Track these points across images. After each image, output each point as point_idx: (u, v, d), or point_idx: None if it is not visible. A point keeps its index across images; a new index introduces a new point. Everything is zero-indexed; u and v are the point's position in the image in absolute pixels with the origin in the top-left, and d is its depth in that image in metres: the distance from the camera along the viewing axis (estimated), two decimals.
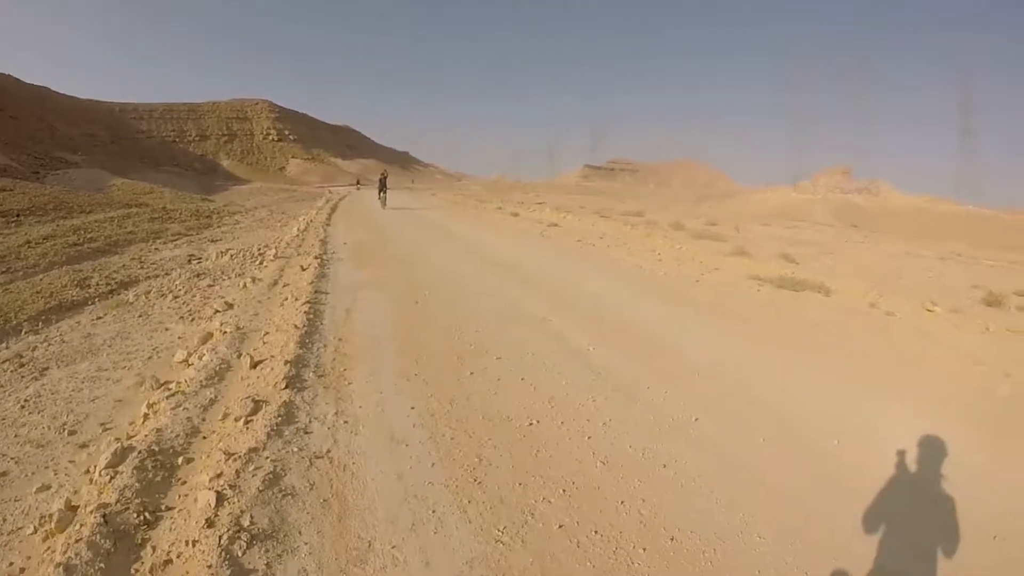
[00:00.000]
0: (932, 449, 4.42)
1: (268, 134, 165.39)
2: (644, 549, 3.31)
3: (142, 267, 13.97)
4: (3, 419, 5.65)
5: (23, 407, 5.90)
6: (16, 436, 5.25)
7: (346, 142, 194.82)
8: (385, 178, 33.74)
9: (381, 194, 32.00)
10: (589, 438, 4.51)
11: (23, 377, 6.82)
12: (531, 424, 4.73)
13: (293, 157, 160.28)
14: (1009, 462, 4.45)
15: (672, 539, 3.40)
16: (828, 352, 6.91)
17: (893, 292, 10.46)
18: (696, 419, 4.88)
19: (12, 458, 4.85)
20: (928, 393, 5.74)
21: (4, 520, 3.95)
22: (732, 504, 3.71)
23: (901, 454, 4.33)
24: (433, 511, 3.56)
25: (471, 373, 5.82)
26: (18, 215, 23.46)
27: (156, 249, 17.55)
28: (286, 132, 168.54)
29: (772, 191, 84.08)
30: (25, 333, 8.69)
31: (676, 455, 4.27)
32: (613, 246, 15.95)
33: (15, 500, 4.20)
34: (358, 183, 65.21)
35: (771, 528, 3.50)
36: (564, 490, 3.80)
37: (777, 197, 74.25)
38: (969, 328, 8.21)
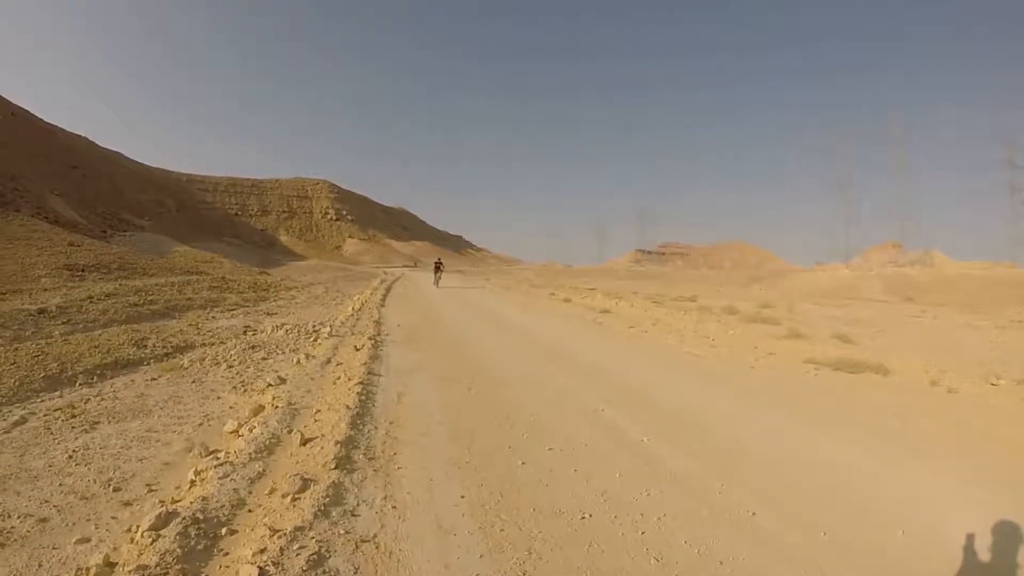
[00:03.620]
0: (1005, 535, 4.18)
1: (327, 213, 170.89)
2: None
3: (198, 334, 14.22)
4: (50, 466, 5.69)
5: (71, 457, 5.93)
6: (61, 485, 5.26)
7: (401, 224, 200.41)
8: (440, 263, 40.40)
9: (436, 275, 38.47)
10: (643, 533, 4.29)
11: (73, 428, 6.90)
12: (583, 518, 4.52)
13: (350, 237, 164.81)
14: None
15: None
16: (889, 437, 6.63)
17: (954, 367, 10.12)
18: (754, 513, 4.62)
19: (55, 506, 4.85)
20: (997, 473, 5.49)
21: (40, 566, 3.93)
22: None
23: (971, 542, 4.08)
24: None
25: (523, 463, 5.65)
26: (83, 270, 24.32)
27: (213, 317, 17.91)
28: (344, 212, 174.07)
29: (824, 269, 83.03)
30: (79, 385, 8.85)
31: (733, 551, 4.03)
32: (666, 332, 15.73)
33: (53, 548, 4.18)
34: (415, 263, 67.76)
35: None
36: None
37: (829, 275, 73.03)
38: None
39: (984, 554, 3.98)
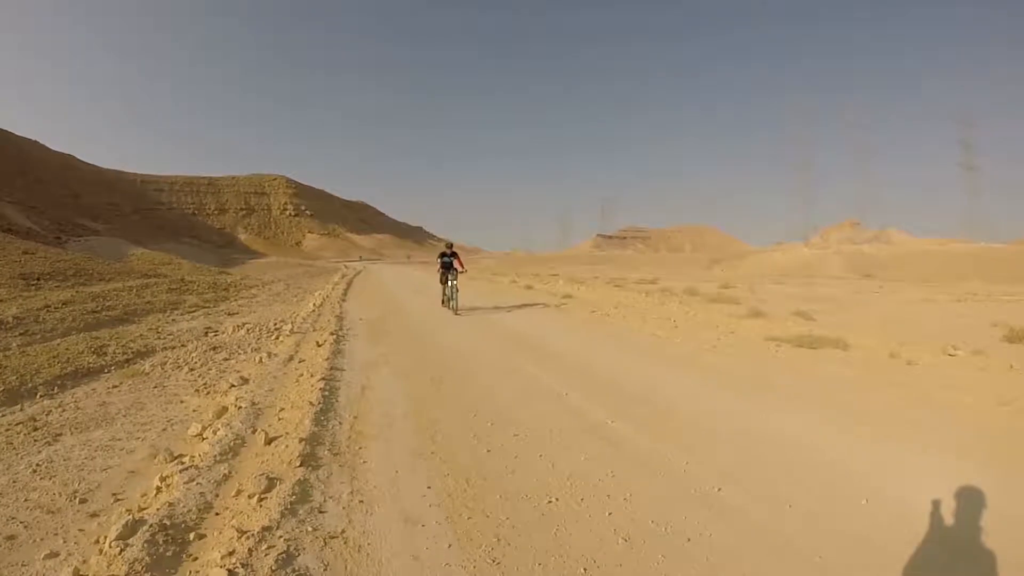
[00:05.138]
0: (965, 499, 4.33)
1: (285, 209, 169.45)
2: None
3: (159, 338, 14.07)
4: (14, 482, 5.62)
5: (35, 471, 5.87)
6: (26, 500, 5.21)
7: (360, 217, 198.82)
8: (451, 254, 17.97)
9: (446, 284, 17.67)
10: (610, 514, 4.37)
11: (36, 441, 6.82)
12: (550, 502, 4.59)
13: (309, 232, 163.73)
14: None
15: None
16: (851, 408, 6.83)
17: (913, 340, 10.41)
18: (719, 489, 4.73)
19: (21, 522, 4.80)
20: (956, 440, 5.70)
21: None
22: None
23: (934, 508, 4.22)
24: None
25: (488, 451, 5.73)
26: (38, 279, 23.87)
27: (173, 320, 17.71)
28: (303, 207, 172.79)
29: (783, 249, 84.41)
30: (40, 397, 8.73)
31: (701, 528, 4.12)
32: (628, 316, 15.98)
33: (22, 565, 4.14)
34: (360, 258, 66.55)
35: None
36: (585, 569, 3.65)
37: (789, 255, 74.30)
38: (993, 368, 8.19)
39: (947, 518, 4.11)
